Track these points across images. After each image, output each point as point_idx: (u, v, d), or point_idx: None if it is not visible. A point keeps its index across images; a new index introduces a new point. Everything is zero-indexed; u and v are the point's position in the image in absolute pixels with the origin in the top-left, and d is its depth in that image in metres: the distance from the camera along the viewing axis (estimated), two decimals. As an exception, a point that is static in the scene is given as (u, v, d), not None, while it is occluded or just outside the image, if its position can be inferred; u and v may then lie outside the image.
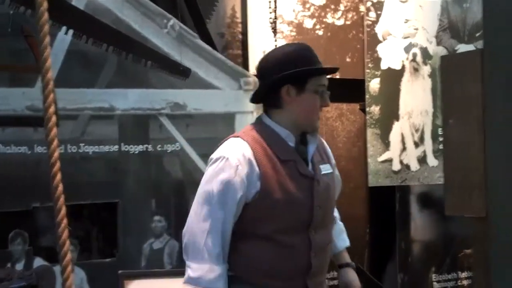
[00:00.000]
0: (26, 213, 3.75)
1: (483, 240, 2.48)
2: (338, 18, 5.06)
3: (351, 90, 4.93)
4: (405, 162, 5.08)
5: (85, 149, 3.94)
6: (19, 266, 3.73)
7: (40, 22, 1.87)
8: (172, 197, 4.21)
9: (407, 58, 5.10)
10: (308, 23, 4.96)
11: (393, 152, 5.03)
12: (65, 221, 1.88)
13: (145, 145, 4.10)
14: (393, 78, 5.05)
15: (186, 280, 2.29)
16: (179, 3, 4.47)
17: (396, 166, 5.04)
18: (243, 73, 4.39)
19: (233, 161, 2.28)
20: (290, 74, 2.35)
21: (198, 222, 2.28)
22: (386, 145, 5.02)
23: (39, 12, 1.86)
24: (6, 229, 3.76)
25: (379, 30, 5.03)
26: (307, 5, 4.95)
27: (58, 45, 3.84)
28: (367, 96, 4.97)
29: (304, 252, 2.36)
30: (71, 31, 3.82)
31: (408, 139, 5.09)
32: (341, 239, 2.73)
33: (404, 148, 5.08)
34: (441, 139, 4.95)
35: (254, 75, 4.47)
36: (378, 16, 5.03)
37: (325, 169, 2.47)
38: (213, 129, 4.29)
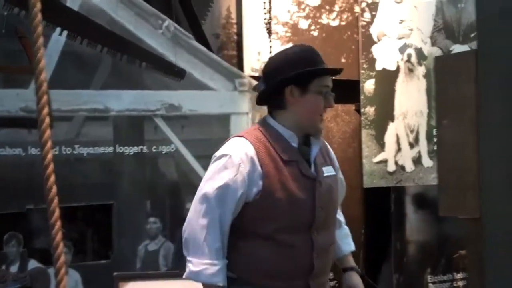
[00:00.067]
0: (21, 215, 3.75)
1: (477, 241, 2.48)
2: (333, 19, 5.06)
3: (346, 91, 4.92)
4: (400, 163, 5.08)
5: (80, 150, 3.93)
6: (14, 268, 3.72)
7: (34, 23, 1.86)
8: (167, 199, 4.21)
9: (402, 59, 5.10)
10: (303, 24, 4.96)
11: (388, 153, 5.03)
12: (58, 223, 1.87)
13: (140, 147, 4.10)
14: (388, 79, 5.05)
15: (187, 275, 2.33)
16: (173, 4, 4.46)
17: (391, 167, 5.04)
18: (238, 74, 4.38)
19: (235, 159, 2.30)
20: (293, 75, 2.37)
21: (198, 218, 2.31)
22: (381, 146, 5.02)
23: (32, 13, 1.85)
24: (1, 231, 3.75)
25: (374, 30, 5.03)
26: (302, 6, 4.95)
27: (53, 46, 3.83)
28: (362, 97, 4.97)
29: (306, 253, 2.37)
30: (65, 32, 3.82)
31: (403, 140, 5.09)
32: (346, 243, 2.72)
33: (399, 149, 5.08)
34: (436, 139, 4.95)
35: (252, 76, 4.48)
36: (373, 16, 5.03)
37: (328, 171, 2.48)
38: (208, 130, 4.29)
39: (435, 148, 5.02)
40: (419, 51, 5.17)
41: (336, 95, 2.48)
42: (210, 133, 4.28)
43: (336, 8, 5.07)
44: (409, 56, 5.12)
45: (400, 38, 5.11)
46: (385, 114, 5.04)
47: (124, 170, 4.08)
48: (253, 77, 4.48)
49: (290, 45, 4.86)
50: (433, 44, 5.24)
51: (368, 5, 5.02)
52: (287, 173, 2.35)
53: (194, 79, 4.21)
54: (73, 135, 3.94)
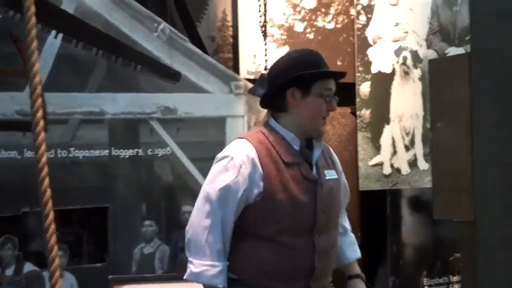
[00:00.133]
0: (16, 218, 3.74)
1: (471, 243, 2.48)
2: (329, 22, 5.07)
3: (342, 94, 4.91)
4: (395, 165, 5.08)
5: (75, 153, 3.92)
6: (9, 271, 3.72)
7: (28, 26, 1.86)
8: (163, 202, 4.20)
9: (398, 62, 5.11)
10: (299, 27, 4.96)
11: (384, 155, 5.04)
12: (53, 226, 1.88)
13: (136, 150, 4.09)
14: (383, 82, 5.06)
15: (188, 276, 2.35)
16: (169, 7, 4.46)
17: (386, 170, 5.05)
18: (234, 77, 4.38)
19: (237, 160, 2.32)
20: (294, 77, 2.39)
21: (200, 219, 2.33)
22: (377, 148, 5.02)
23: (26, 16, 1.85)
24: (-4, 234, 3.76)
25: (369, 33, 5.04)
26: (298, 9, 4.96)
27: (48, 49, 3.82)
28: (357, 100, 4.98)
29: (307, 255, 2.38)
30: (60, 35, 3.82)
31: (398, 143, 5.09)
32: (352, 250, 2.72)
33: (394, 152, 5.08)
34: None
35: (248, 79, 4.48)
36: (368, 19, 5.04)
37: (330, 174, 2.49)
38: (203, 133, 4.29)
39: (430, 150, 5.03)
40: (414, 54, 5.18)
41: (332, 98, 2.48)
42: (205, 136, 4.28)
43: (332, 10, 5.08)
44: (405, 58, 5.13)
45: (395, 41, 5.12)
46: (381, 117, 5.04)
47: (120, 173, 4.07)
48: (249, 79, 4.48)
49: (286, 48, 4.90)
50: (429, 46, 5.25)
51: (363, 8, 5.03)
52: (288, 175, 2.36)
53: (190, 82, 4.21)
54: (69, 138, 3.93)
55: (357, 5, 5.03)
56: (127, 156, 4.06)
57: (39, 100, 1.89)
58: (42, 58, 3.77)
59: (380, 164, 5.02)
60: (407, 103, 5.14)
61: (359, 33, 5.02)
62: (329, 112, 2.45)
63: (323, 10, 5.05)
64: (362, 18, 5.03)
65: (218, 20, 4.81)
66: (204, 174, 4.10)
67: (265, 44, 4.55)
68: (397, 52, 5.12)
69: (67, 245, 3.96)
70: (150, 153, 4.13)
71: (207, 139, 4.29)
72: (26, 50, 1.90)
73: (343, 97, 4.96)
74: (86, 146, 3.94)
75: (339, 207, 2.57)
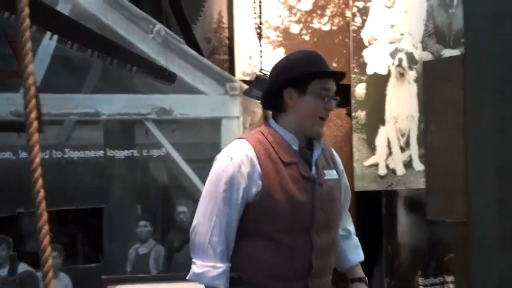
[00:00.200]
0: (11, 218, 3.74)
1: (465, 244, 2.49)
2: (325, 24, 5.07)
3: (337, 95, 4.93)
4: (391, 166, 5.09)
5: (71, 154, 3.93)
6: (3, 272, 3.72)
7: (22, 27, 1.86)
8: (158, 202, 4.21)
9: (393, 63, 5.12)
10: (295, 29, 4.97)
11: (379, 156, 5.04)
12: (46, 227, 1.88)
13: (131, 150, 4.10)
14: (379, 83, 5.07)
15: (190, 276, 2.37)
16: (164, 8, 4.47)
17: (382, 171, 5.05)
18: (229, 78, 4.39)
19: (236, 160, 2.34)
20: (290, 77, 2.41)
21: (203, 220, 2.35)
22: (372, 149, 5.03)
23: (20, 18, 1.86)
24: (-9, 234, 3.76)
25: (365, 35, 5.05)
26: (294, 11, 4.96)
27: (43, 50, 3.83)
28: (353, 101, 4.98)
29: (305, 254, 2.38)
30: (56, 37, 3.82)
31: (394, 144, 5.10)
32: (356, 253, 2.73)
33: (390, 153, 5.09)
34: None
35: (244, 81, 4.49)
36: (363, 21, 5.04)
37: (330, 174, 2.50)
38: (199, 134, 4.30)
39: (426, 152, 5.03)
40: (410, 56, 5.19)
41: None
42: (201, 137, 4.29)
43: (328, 12, 5.09)
44: (400, 60, 5.14)
45: (391, 43, 5.13)
46: (376, 118, 5.05)
47: (115, 174, 4.08)
48: (244, 81, 4.49)
49: (281, 49, 4.90)
50: (424, 48, 5.26)
51: (359, 9, 5.04)
52: (286, 174, 2.37)
53: (185, 83, 4.22)
54: (64, 139, 3.94)
55: (352, 7, 5.03)
56: (122, 157, 4.07)
57: (33, 101, 1.89)
58: (37, 59, 3.78)
59: (376, 165, 5.03)
60: (402, 104, 5.15)
61: (354, 35, 5.03)
62: (328, 112, 2.45)
63: (318, 12, 5.06)
64: (358, 20, 5.03)
65: (213, 21, 4.81)
66: (200, 175, 4.17)
67: (260, 45, 4.56)
68: (393, 54, 5.13)
69: (62, 246, 3.96)
70: (146, 154, 4.13)
71: (203, 140, 4.30)
72: (20, 51, 1.91)
73: (339, 98, 5.00)
74: (82, 147, 3.95)
75: (339, 207, 2.57)
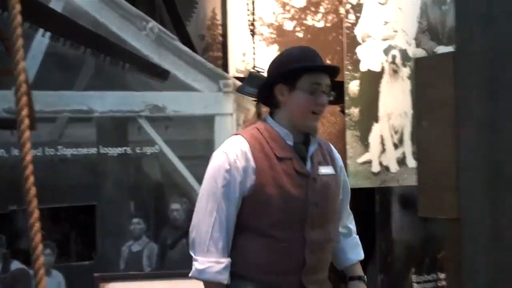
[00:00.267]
0: (4, 216, 3.74)
1: (456, 241, 2.50)
2: (318, 20, 5.07)
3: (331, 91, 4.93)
4: (384, 163, 5.09)
5: (63, 151, 3.93)
6: (-4, 269, 3.72)
7: (13, 24, 1.87)
8: (151, 200, 4.21)
9: (387, 60, 5.12)
10: (288, 25, 4.97)
11: (373, 153, 5.05)
12: (37, 224, 1.88)
13: (124, 148, 4.10)
14: (372, 80, 5.07)
15: (192, 273, 2.38)
16: (158, 5, 4.46)
17: (375, 168, 5.05)
18: (223, 75, 4.39)
19: (231, 156, 2.38)
20: (280, 73, 2.44)
21: (203, 216, 2.37)
22: (366, 146, 5.03)
23: (12, 15, 1.86)
24: (-16, 232, 3.75)
25: (358, 32, 5.05)
26: (287, 7, 4.96)
27: (36, 47, 3.83)
28: (346, 98, 4.98)
29: (298, 249, 2.40)
30: (48, 34, 3.81)
31: (387, 141, 5.10)
32: (355, 252, 2.73)
33: (383, 150, 5.09)
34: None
35: (237, 77, 4.49)
36: (357, 18, 5.04)
37: (326, 170, 2.52)
38: (192, 131, 4.30)
39: (419, 149, 5.03)
40: (403, 53, 5.19)
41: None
42: (194, 134, 4.29)
43: (321, 9, 5.08)
44: (394, 57, 5.14)
45: (384, 40, 5.13)
46: (370, 115, 5.05)
47: (108, 171, 4.08)
48: (238, 78, 4.48)
49: (275, 46, 4.90)
50: (418, 45, 5.26)
51: (352, 6, 5.03)
52: (280, 169, 2.39)
53: (178, 80, 4.22)
54: (57, 136, 3.94)
55: (346, 4, 5.03)
56: (115, 154, 4.07)
57: (24, 98, 1.89)
58: (30, 56, 3.78)
59: (369, 162, 5.03)
60: (396, 101, 5.15)
61: (348, 31, 5.02)
62: (322, 107, 2.45)
63: (312, 9, 5.06)
64: (351, 17, 5.03)
65: (207, 18, 4.81)
66: (193, 172, 4.17)
67: (254, 42, 4.56)
68: (386, 51, 5.13)
69: (55, 243, 3.96)
70: (139, 151, 4.13)
71: (196, 137, 4.30)
72: (12, 49, 1.91)
73: (334, 96, 5.00)
74: (74, 144, 3.95)
75: (336, 203, 2.57)
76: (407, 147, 5.17)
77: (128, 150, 4.10)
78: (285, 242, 2.38)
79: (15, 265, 3.76)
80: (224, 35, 4.81)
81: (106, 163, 4.06)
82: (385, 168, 5.10)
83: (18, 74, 1.88)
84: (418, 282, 5.24)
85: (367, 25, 5.07)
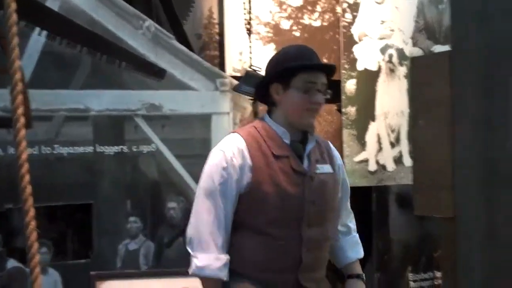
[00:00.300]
0: (0, 214, 3.74)
1: (451, 240, 2.50)
2: (315, 19, 5.08)
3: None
4: (381, 162, 5.09)
5: (60, 150, 3.93)
6: (-8, 268, 3.72)
7: (9, 23, 1.86)
8: (148, 198, 4.21)
9: (383, 59, 5.12)
10: (285, 24, 4.97)
11: (369, 152, 5.05)
12: (33, 222, 1.88)
13: (121, 146, 4.10)
14: (369, 79, 5.07)
15: (192, 271, 2.38)
16: (154, 4, 4.47)
17: (372, 167, 5.05)
18: (219, 74, 4.39)
19: (228, 154, 2.39)
20: (274, 72, 2.45)
21: (201, 214, 2.38)
22: (362, 145, 5.03)
23: (7, 13, 1.85)
24: (-20, 231, 3.75)
25: (355, 31, 5.05)
26: (284, 6, 4.97)
27: (32, 46, 3.83)
28: (343, 97, 4.98)
29: (295, 247, 2.40)
30: (45, 33, 3.81)
31: (384, 140, 5.10)
32: (354, 250, 2.71)
33: (380, 149, 5.09)
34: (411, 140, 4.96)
35: (234, 76, 4.49)
36: (354, 17, 5.04)
37: (323, 168, 2.51)
38: (189, 130, 4.30)
39: (415, 147, 5.03)
40: (400, 52, 5.19)
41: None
42: (191, 133, 4.29)
43: (318, 8, 5.09)
44: (391, 56, 5.14)
45: (381, 39, 5.13)
46: (366, 114, 5.05)
47: (105, 170, 4.08)
48: (234, 77, 4.49)
49: (272, 45, 4.91)
50: (415, 44, 5.26)
51: (349, 5, 5.03)
52: (277, 167, 2.40)
53: (175, 79, 4.22)
54: (53, 135, 3.94)
55: (342, 3, 5.03)
56: (112, 153, 4.07)
57: (20, 97, 1.89)
58: (26, 55, 3.78)
59: (366, 161, 5.04)
60: (392, 100, 5.15)
61: (344, 30, 5.02)
62: (317, 105, 2.44)
63: (309, 8, 5.06)
64: (348, 16, 5.03)
65: (204, 17, 4.81)
66: (189, 170, 4.17)
67: (250, 41, 4.56)
68: (383, 50, 5.12)
69: (52, 242, 3.96)
70: (135, 150, 4.14)
71: (193, 136, 4.31)
72: (7, 47, 1.91)
73: (330, 94, 4.99)
74: (71, 143, 3.95)
75: (334, 201, 2.57)
76: (404, 146, 5.17)
77: (125, 148, 4.11)
78: (281, 240, 2.38)
79: (11, 263, 3.76)
80: (221, 34, 4.81)
81: (102, 162, 4.06)
82: (382, 167, 5.10)
83: (13, 73, 1.88)
84: (414, 281, 5.24)
85: (364, 24, 5.07)
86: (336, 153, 2.65)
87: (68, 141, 3.95)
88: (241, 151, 2.39)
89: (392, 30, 5.17)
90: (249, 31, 4.56)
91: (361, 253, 2.73)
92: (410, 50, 5.21)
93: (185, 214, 3.88)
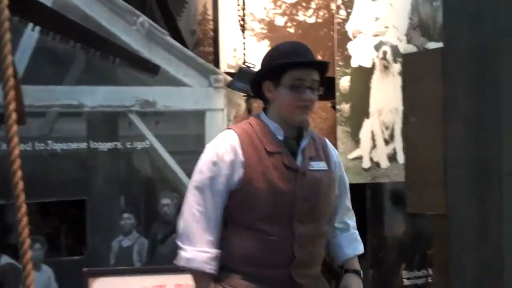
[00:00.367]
0: (-7, 211, 3.74)
1: (443, 237, 2.51)
2: (310, 16, 5.08)
3: (321, 87, 4.93)
4: (375, 159, 5.10)
5: (53, 146, 3.92)
6: (-15, 264, 3.71)
7: (1, 18, 1.85)
8: (142, 195, 4.21)
9: (378, 56, 5.12)
10: (280, 21, 4.97)
11: (363, 149, 5.05)
12: (25, 219, 1.88)
13: (114, 143, 4.10)
14: (363, 76, 5.07)
15: (179, 261, 2.41)
16: (148, 0, 4.46)
17: (366, 164, 5.06)
18: (213, 71, 4.39)
19: (220, 150, 2.40)
20: (264, 70, 2.47)
21: (191, 208, 2.40)
22: (356, 142, 5.04)
23: (-1, 9, 1.85)
24: (-27, 227, 3.75)
25: (349, 28, 5.05)
26: (278, 3, 4.97)
27: (25, 42, 3.82)
28: (337, 94, 4.98)
29: (287, 243, 2.40)
30: (38, 28, 3.80)
31: (378, 137, 5.11)
32: (352, 247, 2.71)
33: (374, 146, 5.10)
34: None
35: (228, 73, 4.49)
36: (348, 14, 5.04)
37: (318, 165, 2.51)
38: (183, 127, 4.30)
39: (409, 145, 5.03)
40: (394, 49, 5.19)
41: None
42: (185, 129, 4.29)
43: (313, 5, 5.09)
44: (385, 53, 5.14)
45: (375, 36, 5.13)
46: (361, 111, 5.05)
47: (98, 166, 4.08)
48: (228, 73, 4.49)
49: (266, 42, 4.91)
50: (409, 41, 5.26)
51: (343, 2, 5.03)
52: (269, 164, 2.40)
53: (169, 75, 4.22)
54: (47, 130, 3.93)
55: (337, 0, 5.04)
56: (105, 149, 4.07)
57: (12, 92, 1.89)
58: (20, 51, 3.77)
59: (360, 158, 5.04)
60: (387, 97, 5.15)
61: (339, 27, 5.02)
62: (308, 102, 2.44)
63: (304, 4, 5.06)
64: (342, 13, 5.03)
65: (198, 14, 4.81)
66: (183, 167, 4.17)
67: (244, 38, 4.55)
68: (377, 47, 5.13)
69: (45, 238, 3.96)
70: (129, 146, 4.13)
71: (187, 133, 4.31)
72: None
73: (323, 91, 5.00)
74: (64, 139, 3.95)
75: (329, 198, 2.56)
76: (398, 143, 5.17)
77: (119, 145, 4.10)
78: (272, 235, 2.39)
79: (4, 259, 3.76)
80: (215, 30, 4.81)
81: (96, 158, 4.06)
82: (376, 164, 5.11)
83: (6, 68, 1.87)
84: (408, 278, 5.25)
85: (358, 21, 5.07)
86: (332, 150, 2.65)
87: (62, 137, 3.94)
88: (234, 147, 2.40)
89: (386, 27, 5.17)
90: (243, 28, 4.55)
91: (359, 250, 2.73)
92: (404, 47, 5.21)
93: (179, 210, 3.86)
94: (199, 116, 4.30)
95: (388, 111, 5.15)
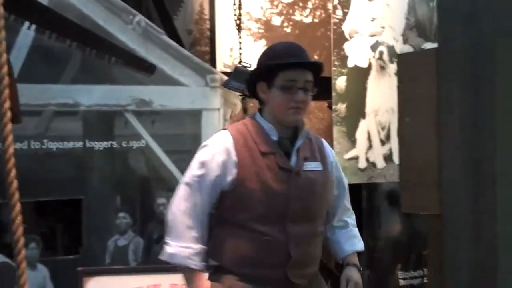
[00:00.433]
0: (-13, 210, 3.72)
1: (438, 237, 2.51)
2: (306, 16, 5.08)
3: (318, 88, 4.93)
4: (371, 159, 5.10)
5: (49, 145, 3.91)
6: (-19, 263, 3.70)
7: (-4, 16, 1.86)
8: (137, 194, 4.21)
9: (374, 56, 5.12)
10: (276, 21, 4.98)
11: (359, 149, 5.05)
12: (19, 217, 1.89)
13: (110, 142, 4.09)
14: (359, 76, 5.07)
15: (162, 256, 2.43)
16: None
17: (362, 164, 5.06)
18: (210, 70, 4.39)
19: (212, 150, 2.42)
20: (257, 72, 2.49)
21: (179, 203, 2.42)
22: (353, 142, 5.04)
23: (-6, 7, 1.85)
24: (-32, 226, 3.74)
25: (346, 28, 5.05)
26: (275, 3, 4.97)
27: (22, 40, 3.81)
28: (333, 94, 4.98)
29: (281, 243, 2.40)
30: (34, 27, 3.80)
31: (374, 137, 5.11)
32: (350, 243, 2.71)
33: (370, 146, 5.10)
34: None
35: (224, 72, 4.49)
36: (345, 14, 5.04)
37: (313, 165, 2.51)
38: (179, 126, 4.30)
39: (405, 145, 5.04)
40: (391, 49, 5.19)
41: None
42: (181, 129, 4.29)
43: (309, 5, 5.10)
44: (381, 53, 5.15)
45: (372, 36, 5.13)
46: (357, 111, 5.06)
47: (94, 165, 4.07)
48: (225, 73, 4.49)
49: (262, 41, 4.91)
50: (405, 42, 5.27)
51: (340, 2, 5.03)
52: (263, 164, 2.40)
53: (165, 74, 4.21)
54: (42, 129, 3.92)
55: (334, -1, 5.04)
56: (101, 148, 4.06)
57: (6, 91, 1.89)
58: (15, 49, 3.76)
59: (356, 158, 5.05)
60: (383, 97, 5.16)
61: (335, 27, 5.02)
62: (301, 103, 2.43)
63: (300, 4, 5.07)
64: (339, 13, 5.03)
65: (195, 13, 4.81)
66: (179, 166, 4.16)
67: (240, 37, 4.55)
68: (374, 47, 5.13)
69: (40, 237, 3.95)
70: (125, 146, 4.13)
71: (183, 132, 4.30)
72: (-5, 41, 1.90)
73: (319, 91, 4.99)
74: (60, 138, 3.94)
75: (324, 198, 2.55)
76: (394, 144, 5.17)
77: (115, 144, 4.10)
78: (266, 236, 2.39)
79: (0, 258, 3.75)
80: (212, 29, 4.81)
81: (92, 157, 4.05)
82: (372, 164, 5.11)
83: (1, 67, 1.88)
84: (404, 278, 5.26)
85: (355, 21, 5.07)
86: (329, 150, 2.65)
87: (58, 136, 3.93)
88: (227, 148, 2.41)
89: (383, 27, 5.17)
90: (239, 27, 4.55)
91: (358, 246, 2.73)
92: (401, 48, 5.22)
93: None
94: (195, 115, 4.30)
95: (384, 112, 5.16)
